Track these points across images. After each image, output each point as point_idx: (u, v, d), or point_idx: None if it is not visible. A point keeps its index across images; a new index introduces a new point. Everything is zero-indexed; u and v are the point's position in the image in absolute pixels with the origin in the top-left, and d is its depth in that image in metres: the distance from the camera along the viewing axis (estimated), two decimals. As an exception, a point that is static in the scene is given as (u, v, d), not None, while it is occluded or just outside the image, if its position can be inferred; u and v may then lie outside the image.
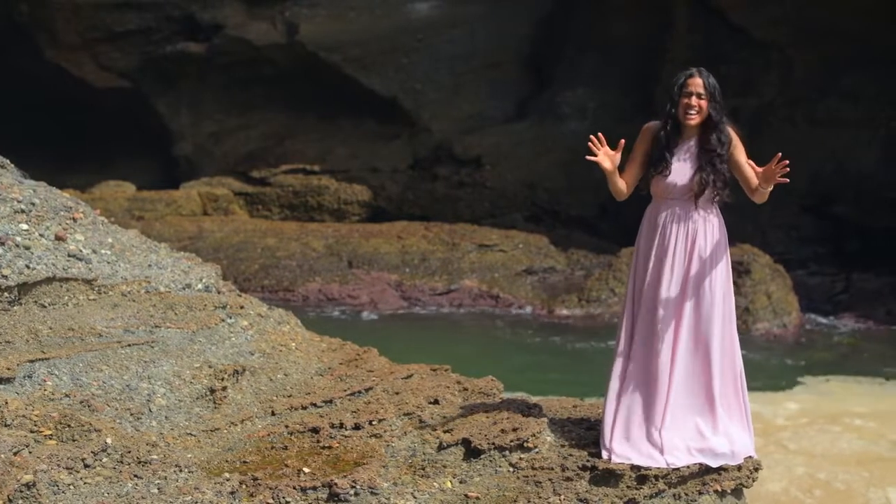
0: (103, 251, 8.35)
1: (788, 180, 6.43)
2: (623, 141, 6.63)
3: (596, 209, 22.96)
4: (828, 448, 12.68)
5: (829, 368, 16.46)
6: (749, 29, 22.59)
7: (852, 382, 15.70)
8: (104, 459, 5.96)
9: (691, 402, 6.72)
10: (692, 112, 6.61)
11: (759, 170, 6.60)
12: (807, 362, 16.81)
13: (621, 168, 6.69)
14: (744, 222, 19.13)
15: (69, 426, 6.09)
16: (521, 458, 6.71)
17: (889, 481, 11.70)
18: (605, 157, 6.58)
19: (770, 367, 16.45)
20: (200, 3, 25.14)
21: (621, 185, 6.71)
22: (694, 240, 6.68)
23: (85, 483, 5.77)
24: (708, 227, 6.71)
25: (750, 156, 6.72)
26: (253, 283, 20.25)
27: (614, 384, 6.80)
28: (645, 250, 6.79)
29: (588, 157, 6.56)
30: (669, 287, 6.66)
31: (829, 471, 11.89)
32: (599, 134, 6.61)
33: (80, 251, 8.13)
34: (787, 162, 6.39)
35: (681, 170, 6.66)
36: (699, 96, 6.60)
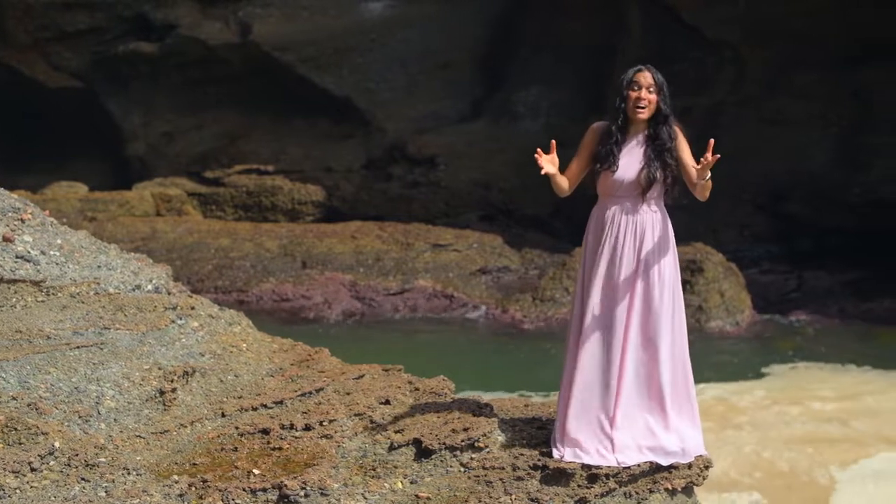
0: (52, 252, 8.28)
1: (718, 156, 6.43)
2: (554, 142, 6.73)
3: (550, 209, 22.97)
4: (781, 429, 12.81)
5: (793, 357, 16.62)
6: (702, 28, 22.69)
7: (816, 369, 15.85)
8: (51, 463, 5.92)
9: (642, 400, 6.74)
10: (641, 105, 6.64)
11: (698, 166, 6.62)
12: (769, 352, 16.92)
13: (563, 167, 6.74)
14: (696, 221, 19.20)
15: (16, 429, 6.05)
16: (472, 458, 6.71)
17: (833, 460, 11.83)
18: (548, 162, 6.64)
19: (733, 361, 16.52)
20: (153, 2, 24.95)
21: (563, 183, 6.78)
22: (642, 237, 6.69)
23: (31, 487, 5.73)
24: (655, 224, 6.72)
25: (698, 154, 6.74)
26: (206, 283, 20.13)
27: (566, 383, 6.81)
28: (593, 249, 6.80)
29: (542, 172, 6.63)
30: (619, 285, 6.68)
31: (775, 450, 12.01)
32: (552, 142, 6.68)
33: (29, 252, 8.07)
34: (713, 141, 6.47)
35: (628, 166, 6.69)
36: (648, 90, 6.64)
